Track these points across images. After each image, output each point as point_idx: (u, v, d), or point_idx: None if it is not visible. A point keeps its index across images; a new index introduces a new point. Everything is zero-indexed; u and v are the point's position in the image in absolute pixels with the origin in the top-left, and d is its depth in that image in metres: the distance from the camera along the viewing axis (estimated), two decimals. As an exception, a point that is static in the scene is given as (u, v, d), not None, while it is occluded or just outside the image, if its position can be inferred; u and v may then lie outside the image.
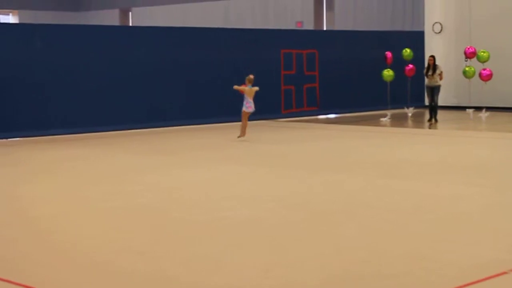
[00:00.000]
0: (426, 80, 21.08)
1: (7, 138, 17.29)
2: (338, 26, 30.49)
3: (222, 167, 12.85)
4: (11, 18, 38.35)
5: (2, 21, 37.03)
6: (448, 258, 6.92)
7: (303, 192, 10.47)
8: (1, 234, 8.16)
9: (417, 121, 21.44)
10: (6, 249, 7.56)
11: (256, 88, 16.49)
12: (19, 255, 7.31)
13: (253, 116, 20.62)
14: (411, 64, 22.29)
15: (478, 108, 21.54)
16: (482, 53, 21.31)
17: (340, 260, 6.93)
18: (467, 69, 21.44)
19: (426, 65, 21.55)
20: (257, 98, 16.95)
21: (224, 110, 20.33)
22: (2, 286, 6.31)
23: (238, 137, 16.56)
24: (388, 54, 21.82)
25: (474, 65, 21.44)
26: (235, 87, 16.62)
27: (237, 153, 14.85)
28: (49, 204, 9.79)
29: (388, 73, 21.75)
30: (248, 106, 16.45)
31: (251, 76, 16.51)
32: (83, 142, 16.99)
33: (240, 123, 16.80)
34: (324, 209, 9.23)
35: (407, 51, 22.23)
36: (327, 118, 22.93)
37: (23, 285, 6.27)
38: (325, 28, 31.70)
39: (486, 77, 21.26)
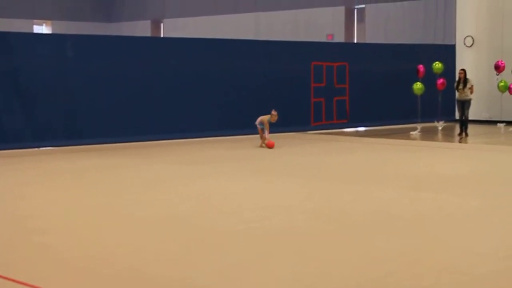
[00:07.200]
0: (457, 94, 20.99)
1: (39, 147, 17.46)
2: (369, 39, 30.48)
3: (254, 178, 12.91)
4: (44, 29, 38.77)
5: (36, 31, 37.44)
6: (479, 272, 6.90)
7: (334, 204, 10.49)
8: (39, 241, 8.26)
9: (448, 135, 21.35)
10: (42, 256, 7.66)
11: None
12: (56, 262, 7.41)
13: (282, 129, 20.71)
14: (442, 77, 22.21)
15: (509, 123, 21.39)
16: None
17: (370, 270, 6.94)
18: (501, 83, 21.37)
19: (456, 78, 21.47)
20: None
21: (254, 121, 20.43)
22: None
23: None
24: (421, 67, 21.77)
25: (507, 79, 21.33)
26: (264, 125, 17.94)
27: (269, 165, 14.89)
28: (83, 213, 9.89)
29: (418, 87, 21.69)
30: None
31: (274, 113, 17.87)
32: (114, 151, 17.12)
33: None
34: (355, 220, 9.25)
35: (437, 64, 22.18)
36: (357, 131, 22.91)
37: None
38: (356, 41, 31.71)
39: (513, 91, 21.20)
